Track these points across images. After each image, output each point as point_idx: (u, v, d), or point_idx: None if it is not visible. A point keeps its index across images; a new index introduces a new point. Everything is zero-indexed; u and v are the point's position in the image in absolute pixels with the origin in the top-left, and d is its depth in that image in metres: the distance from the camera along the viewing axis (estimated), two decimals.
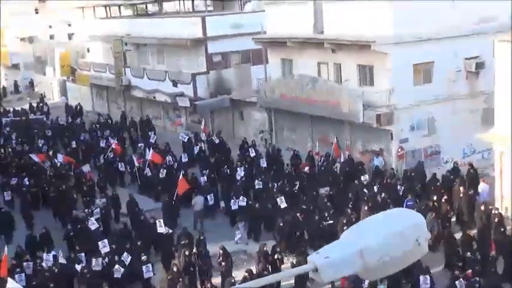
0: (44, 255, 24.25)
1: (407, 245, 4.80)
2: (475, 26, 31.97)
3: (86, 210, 29.28)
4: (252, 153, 35.29)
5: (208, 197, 29.76)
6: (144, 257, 23.38)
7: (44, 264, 23.47)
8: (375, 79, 32.05)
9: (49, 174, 35.36)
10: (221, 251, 23.41)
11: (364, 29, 31.23)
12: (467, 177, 29.28)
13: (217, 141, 39.42)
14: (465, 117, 32.77)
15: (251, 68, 42.86)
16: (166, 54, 48.72)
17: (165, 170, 33.52)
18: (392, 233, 4.78)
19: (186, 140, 39.73)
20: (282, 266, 23.27)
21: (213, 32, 44.04)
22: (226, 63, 44.91)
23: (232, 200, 28.77)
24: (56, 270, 22.88)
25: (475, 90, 32.96)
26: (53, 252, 24.38)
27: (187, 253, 23.11)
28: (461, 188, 27.21)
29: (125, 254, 23.35)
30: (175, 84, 45.39)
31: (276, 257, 23.18)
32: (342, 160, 32.94)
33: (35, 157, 37.28)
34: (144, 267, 22.83)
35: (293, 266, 22.93)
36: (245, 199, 28.58)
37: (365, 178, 29.54)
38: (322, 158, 33.90)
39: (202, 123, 41.42)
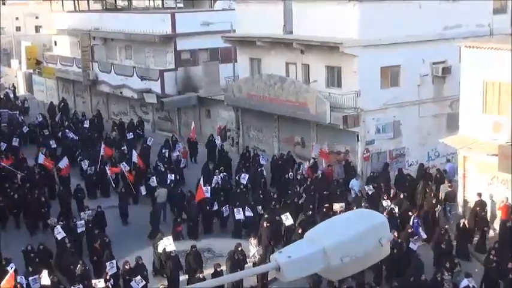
0: None
1: (370, 245, 4.81)
2: (442, 31, 32.34)
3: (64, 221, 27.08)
4: (263, 161, 33.77)
5: (223, 208, 28.22)
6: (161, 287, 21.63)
7: None
8: (342, 81, 32.19)
9: (21, 179, 32.78)
10: None
11: (333, 31, 31.35)
12: (435, 182, 29.69)
13: (219, 148, 37.31)
14: (430, 121, 33.17)
15: (219, 66, 42.76)
16: (135, 49, 48.40)
17: (172, 175, 31.91)
18: (355, 233, 4.78)
19: (150, 143, 38.66)
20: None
21: (182, 29, 43.88)
22: (194, 60, 44.79)
23: (235, 209, 27.31)
24: None
25: (440, 95, 33.33)
26: (11, 264, 22.47)
27: None
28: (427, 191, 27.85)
29: (139, 277, 21.85)
30: (143, 78, 45.13)
31: (237, 257, 23.08)
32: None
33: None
34: None
35: (254, 264, 22.96)
36: (249, 209, 27.13)
37: (369, 188, 28.67)
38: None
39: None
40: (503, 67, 24.90)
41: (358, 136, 31.95)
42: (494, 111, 25.90)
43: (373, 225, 4.87)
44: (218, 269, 21.89)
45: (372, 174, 30.93)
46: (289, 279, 4.73)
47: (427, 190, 28.20)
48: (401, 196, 27.35)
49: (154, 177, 31.68)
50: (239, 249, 23.43)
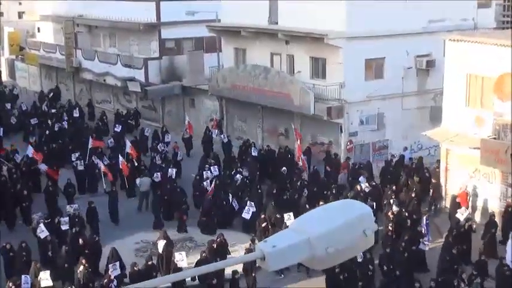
0: None
1: (354, 235, 4.83)
2: (426, 24, 32.44)
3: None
4: (254, 153, 33.20)
5: (248, 209, 26.37)
6: None
7: None
8: (327, 72, 32.23)
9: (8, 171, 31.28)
10: None
11: (318, 23, 31.36)
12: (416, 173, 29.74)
13: (225, 140, 36.37)
14: (414, 114, 33.27)
15: (204, 56, 42.59)
16: (119, 37, 48.10)
17: (174, 170, 30.73)
18: (340, 223, 4.80)
19: (147, 134, 38.42)
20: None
21: (167, 18, 43.64)
22: (179, 49, 44.60)
23: (245, 208, 26.08)
24: None
25: (424, 87, 33.46)
26: None
27: None
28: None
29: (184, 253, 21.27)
30: (127, 65, 44.87)
31: (216, 246, 22.94)
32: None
33: None
34: None
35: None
36: (253, 204, 26.12)
37: (365, 185, 27.30)
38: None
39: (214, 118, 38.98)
40: (486, 61, 25.06)
41: (341, 127, 32.01)
42: (477, 105, 26.06)
43: (358, 216, 4.90)
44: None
45: (353, 165, 30.93)
46: (274, 268, 4.74)
47: (409, 183, 28.31)
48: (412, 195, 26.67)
49: (158, 174, 30.23)
50: (218, 239, 23.24)
